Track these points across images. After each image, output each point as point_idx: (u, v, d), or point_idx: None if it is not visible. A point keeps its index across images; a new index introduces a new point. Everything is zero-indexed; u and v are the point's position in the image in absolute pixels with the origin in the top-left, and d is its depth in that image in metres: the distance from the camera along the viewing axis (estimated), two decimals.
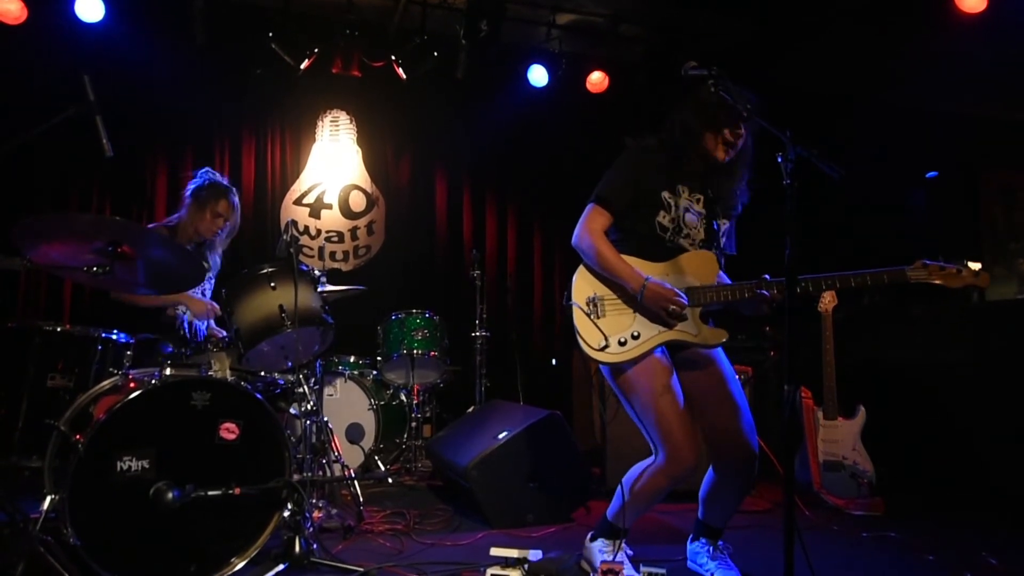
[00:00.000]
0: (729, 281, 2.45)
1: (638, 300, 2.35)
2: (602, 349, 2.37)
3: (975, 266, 2.28)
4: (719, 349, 2.47)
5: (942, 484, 4.01)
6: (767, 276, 2.33)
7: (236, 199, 3.62)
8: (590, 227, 2.45)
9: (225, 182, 3.61)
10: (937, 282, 2.28)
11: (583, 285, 2.46)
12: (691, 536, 2.69)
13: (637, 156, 2.50)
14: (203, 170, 3.65)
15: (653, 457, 2.42)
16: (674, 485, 2.39)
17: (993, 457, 3.88)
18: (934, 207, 6.21)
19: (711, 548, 2.60)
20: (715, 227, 2.48)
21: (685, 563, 2.69)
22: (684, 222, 2.44)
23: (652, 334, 2.37)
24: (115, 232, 2.40)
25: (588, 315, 2.41)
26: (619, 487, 2.49)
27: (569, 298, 2.45)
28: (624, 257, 2.41)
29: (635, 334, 2.37)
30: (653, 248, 2.44)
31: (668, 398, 2.35)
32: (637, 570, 2.40)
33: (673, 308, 2.31)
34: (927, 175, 6.26)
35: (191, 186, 3.59)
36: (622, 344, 2.36)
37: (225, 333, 3.17)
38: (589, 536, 2.62)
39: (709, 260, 2.44)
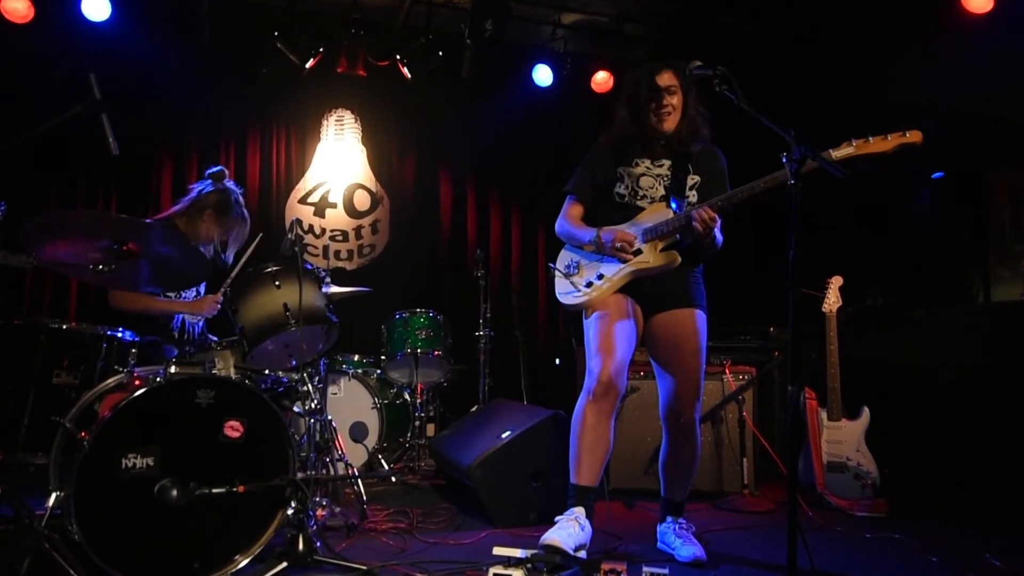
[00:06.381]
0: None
1: (596, 248, 2.73)
2: (569, 293, 2.81)
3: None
4: (703, 331, 2.76)
5: (946, 486, 4.00)
6: (707, 205, 2.58)
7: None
8: (562, 213, 2.94)
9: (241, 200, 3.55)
10: (866, 152, 2.36)
11: (565, 255, 2.92)
12: (659, 520, 2.86)
13: (594, 148, 2.95)
14: (228, 180, 3.53)
15: None
16: (592, 405, 2.59)
17: (998, 459, 3.86)
18: (940, 208, 6.17)
19: (676, 526, 2.76)
20: (677, 181, 2.77)
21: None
22: (639, 185, 2.80)
23: (615, 273, 2.72)
24: (121, 229, 2.41)
25: (565, 275, 2.85)
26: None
27: (553, 265, 2.91)
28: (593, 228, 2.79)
29: (599, 276, 2.75)
30: (616, 214, 2.80)
31: (607, 326, 2.65)
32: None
33: (622, 243, 2.65)
34: (933, 176, 6.23)
35: (215, 191, 3.47)
36: (588, 286, 2.76)
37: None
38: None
39: (660, 208, 2.75)
